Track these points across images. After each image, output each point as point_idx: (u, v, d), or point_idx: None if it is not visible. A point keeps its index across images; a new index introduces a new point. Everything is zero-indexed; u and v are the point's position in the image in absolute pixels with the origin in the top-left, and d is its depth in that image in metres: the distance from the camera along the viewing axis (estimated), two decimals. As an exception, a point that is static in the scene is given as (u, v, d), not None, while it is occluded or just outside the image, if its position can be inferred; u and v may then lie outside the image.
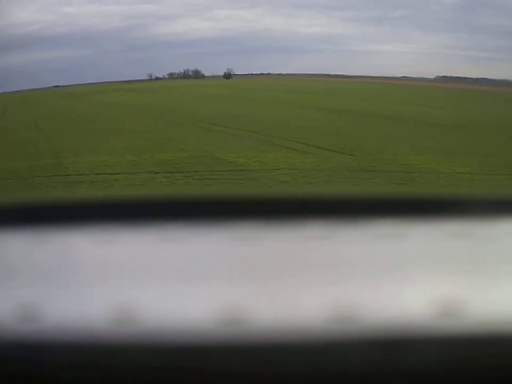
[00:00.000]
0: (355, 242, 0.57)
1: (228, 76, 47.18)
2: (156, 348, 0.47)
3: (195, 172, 8.90)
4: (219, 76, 47.71)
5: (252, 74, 56.02)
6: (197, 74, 46.94)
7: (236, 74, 52.40)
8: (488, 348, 0.48)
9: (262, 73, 57.78)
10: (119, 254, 0.56)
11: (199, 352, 0.47)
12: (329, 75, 52.80)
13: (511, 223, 0.61)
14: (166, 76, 47.39)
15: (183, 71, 47.99)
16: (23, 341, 0.48)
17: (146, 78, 46.31)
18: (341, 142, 12.28)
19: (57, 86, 47.66)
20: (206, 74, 48.33)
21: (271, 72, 58.61)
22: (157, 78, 46.33)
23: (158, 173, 8.82)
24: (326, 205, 0.67)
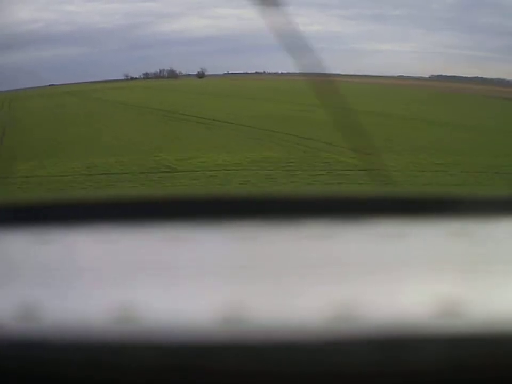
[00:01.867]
0: (356, 242, 0.57)
1: (200, 75, 47.90)
2: (157, 346, 0.47)
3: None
4: (193, 75, 48.60)
5: (247, 73, 56.46)
6: (171, 74, 47.78)
7: (231, 73, 53.21)
8: (488, 346, 0.47)
9: (257, 72, 58.08)
10: (120, 253, 0.56)
11: (200, 350, 0.47)
12: (325, 74, 52.24)
13: (510, 222, 0.60)
14: (142, 76, 48.46)
15: (159, 71, 48.90)
16: (25, 339, 0.48)
17: (123, 77, 47.24)
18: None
19: (53, 84, 48.65)
20: (183, 73, 49.28)
21: (265, 71, 58.66)
22: (132, 78, 47.37)
23: None
24: (327, 204, 0.66)
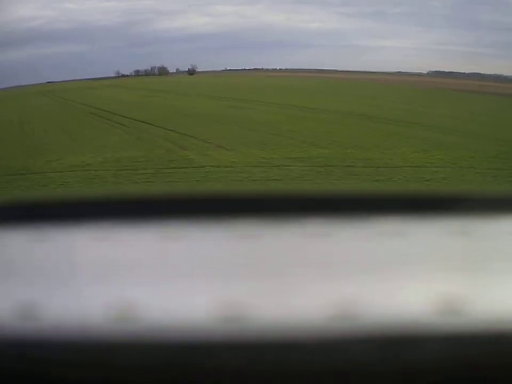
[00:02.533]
0: (355, 240, 0.58)
1: (191, 72, 48.26)
2: (155, 345, 0.47)
3: None
4: (184, 72, 48.98)
5: (244, 69, 56.55)
6: (162, 71, 48.20)
7: (230, 70, 53.45)
8: (488, 345, 0.48)
9: (256, 68, 58.13)
10: (118, 251, 0.57)
11: (199, 349, 0.47)
12: (323, 70, 52.23)
13: (511, 220, 0.61)
14: (133, 73, 48.98)
15: (150, 68, 49.33)
16: (23, 338, 0.48)
17: (113, 75, 47.69)
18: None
19: (51, 81, 48.82)
20: (180, 70, 49.69)
21: (263, 67, 58.64)
22: (123, 75, 47.90)
23: None
24: (326, 203, 0.68)
